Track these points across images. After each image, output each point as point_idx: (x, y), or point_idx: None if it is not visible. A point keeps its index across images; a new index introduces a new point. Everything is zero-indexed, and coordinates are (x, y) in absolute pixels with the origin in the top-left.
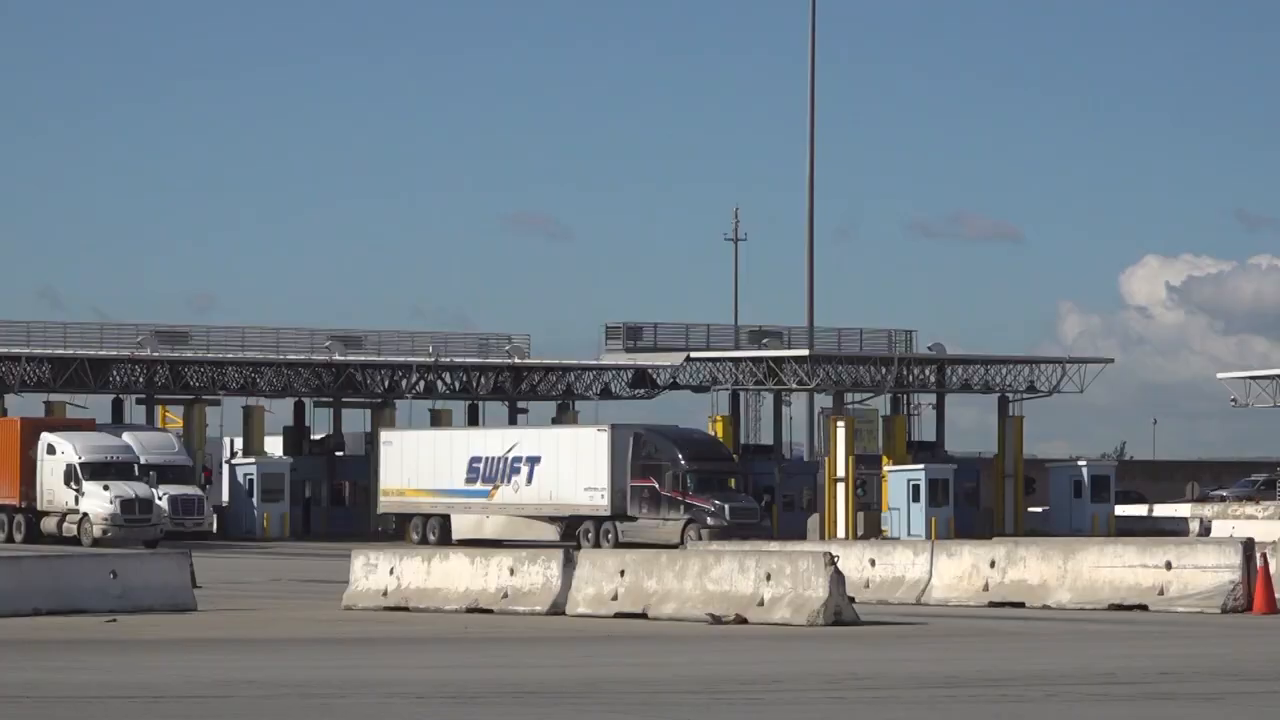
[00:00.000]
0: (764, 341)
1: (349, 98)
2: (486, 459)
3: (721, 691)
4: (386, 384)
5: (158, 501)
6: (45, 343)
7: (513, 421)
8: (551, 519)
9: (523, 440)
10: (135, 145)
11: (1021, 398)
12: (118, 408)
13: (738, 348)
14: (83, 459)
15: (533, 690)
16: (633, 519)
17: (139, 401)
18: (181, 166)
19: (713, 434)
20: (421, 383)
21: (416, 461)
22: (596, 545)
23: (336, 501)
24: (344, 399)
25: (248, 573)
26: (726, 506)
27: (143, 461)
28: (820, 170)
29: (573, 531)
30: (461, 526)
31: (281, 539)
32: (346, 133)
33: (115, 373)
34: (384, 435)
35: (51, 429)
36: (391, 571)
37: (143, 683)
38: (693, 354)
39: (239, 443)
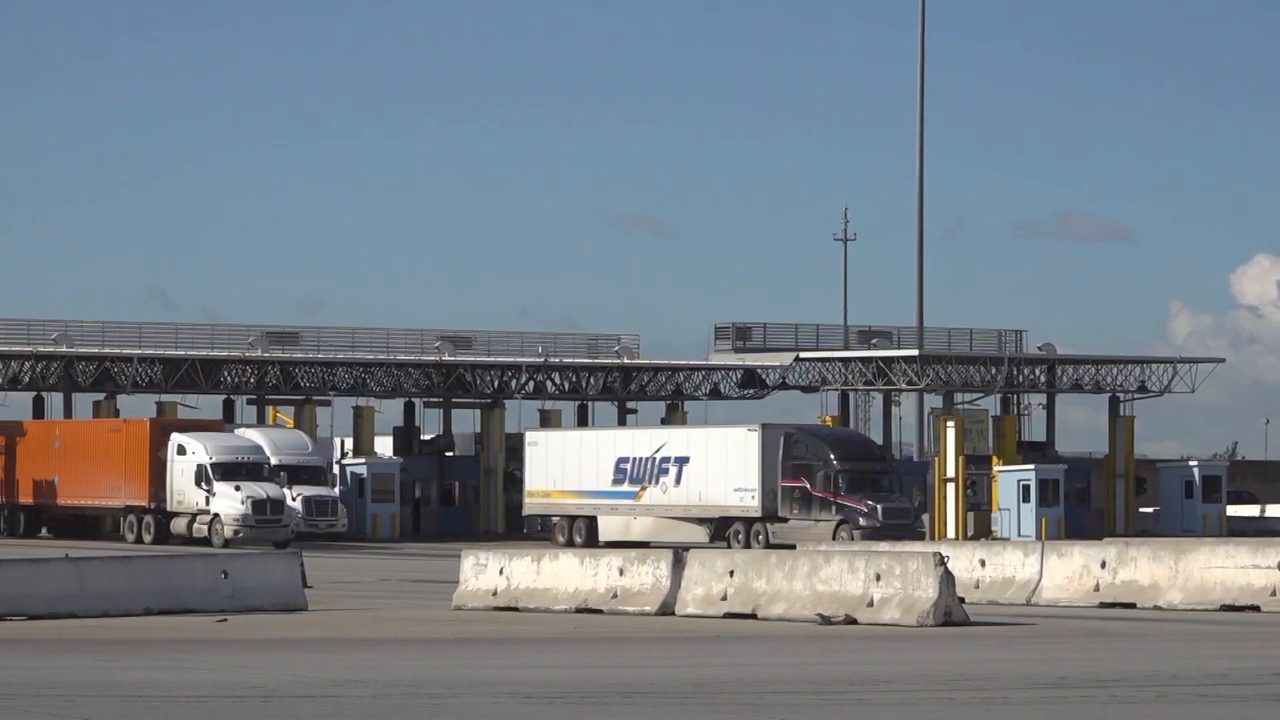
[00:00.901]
0: (873, 341)
1: (458, 100)
2: (634, 459)
3: (830, 692)
4: (496, 384)
5: (289, 502)
6: (157, 343)
7: (621, 422)
8: (700, 520)
9: (671, 440)
10: (246, 147)
11: (1132, 398)
12: (228, 408)
13: (847, 348)
14: (213, 459)
15: (641, 690)
16: (783, 520)
17: (250, 402)
18: (291, 168)
19: (865, 434)
20: (531, 383)
21: (562, 462)
22: (747, 547)
23: (446, 502)
24: (454, 399)
25: (358, 573)
26: (879, 507)
27: (274, 462)
28: (929, 170)
29: (722, 533)
30: (608, 528)
31: (391, 539)
32: (456, 135)
33: (226, 373)
34: (529, 436)
35: (181, 430)
36: (501, 571)
37: (253, 682)
38: (802, 354)
39: (349, 443)
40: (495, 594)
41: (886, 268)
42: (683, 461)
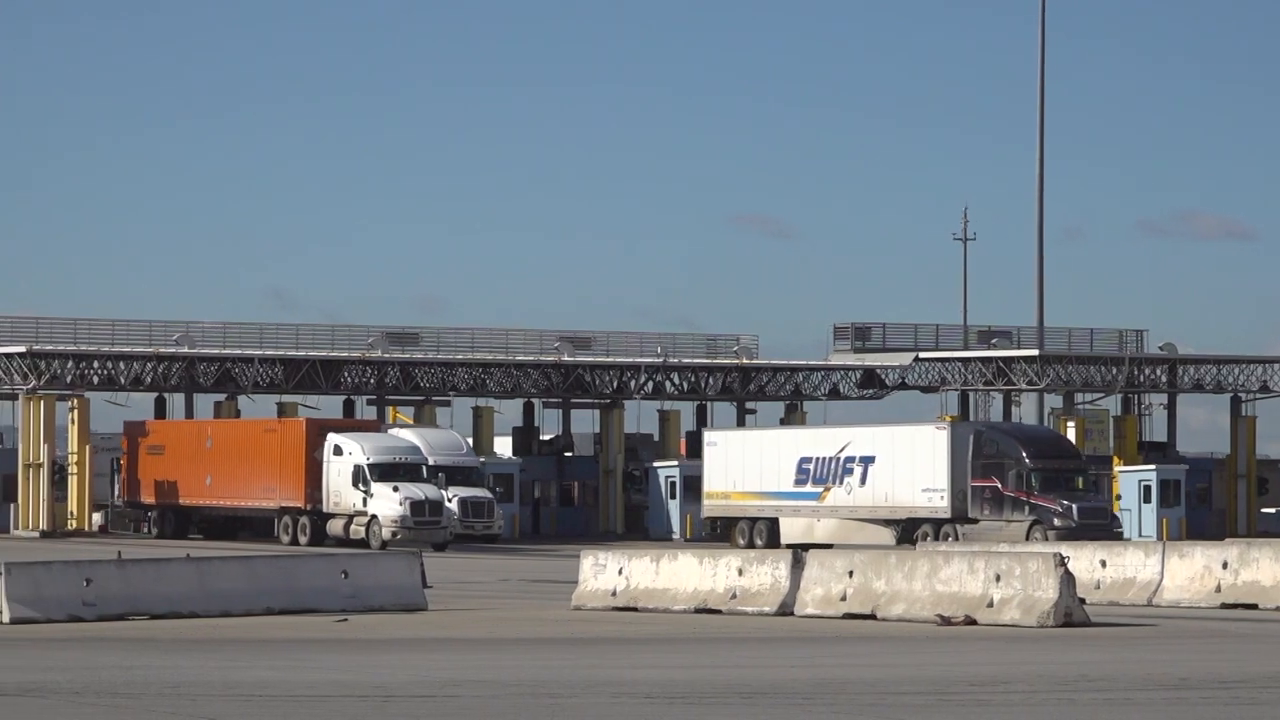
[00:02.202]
0: (993, 341)
1: (576, 100)
2: (817, 459)
3: (950, 693)
4: (615, 385)
5: (447, 504)
6: (277, 344)
7: (740, 423)
8: (887, 522)
9: (855, 439)
10: (365, 147)
11: (1254, 398)
12: (348, 408)
13: (967, 348)
14: (371, 460)
15: (761, 691)
16: (974, 521)
17: (369, 403)
18: (409, 168)
19: (1059, 431)
20: (650, 383)
21: (742, 463)
22: None
23: (565, 502)
24: (573, 399)
25: (477, 573)
26: (1074, 507)
27: (430, 463)
28: (1049, 169)
29: (910, 534)
30: (790, 530)
31: (511, 539)
32: (574, 136)
33: (346, 374)
34: (708, 436)
35: (338, 430)
36: (620, 572)
37: (373, 682)
38: (921, 354)
39: (469, 443)
40: (614, 594)
41: (1006, 267)
42: (868, 461)
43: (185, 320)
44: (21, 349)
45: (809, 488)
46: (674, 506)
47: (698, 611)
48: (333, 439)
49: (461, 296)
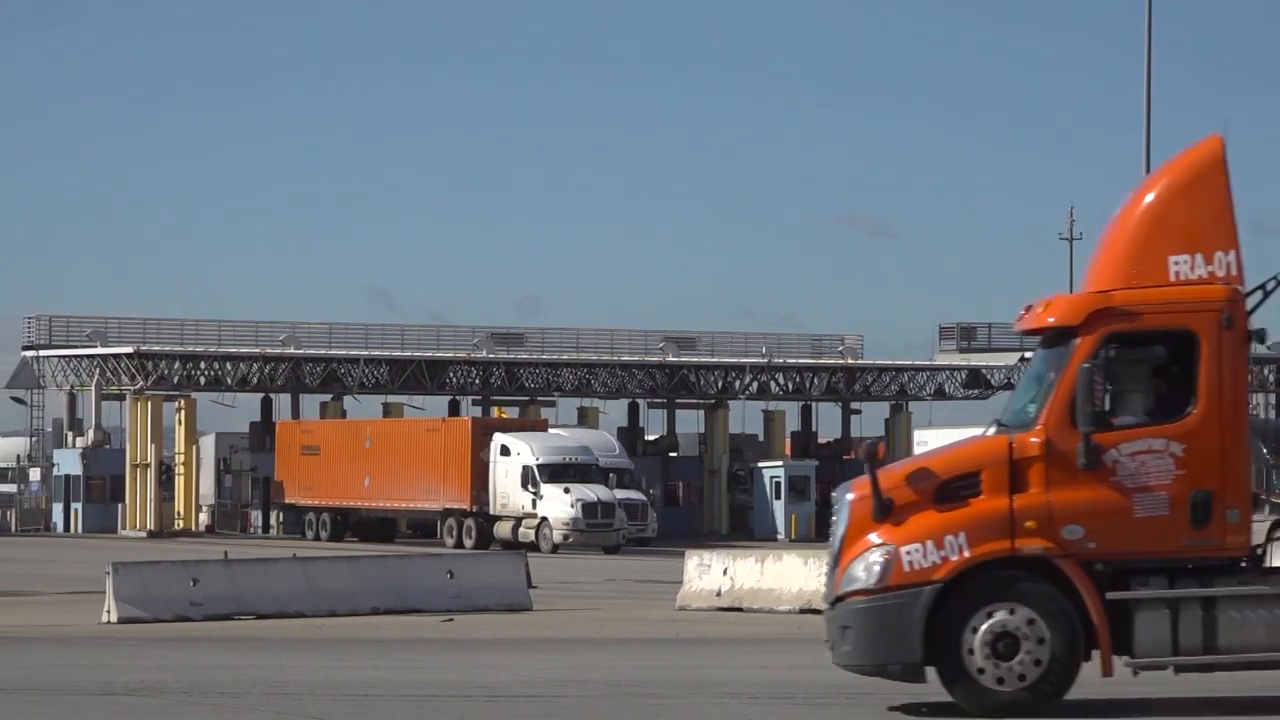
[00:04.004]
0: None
1: (679, 101)
2: None
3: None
4: (720, 385)
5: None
6: (383, 344)
7: (845, 424)
8: None
9: None
10: (466, 148)
11: None
12: (454, 409)
13: None
14: (540, 461)
15: (867, 691)
16: None
17: (475, 403)
18: (510, 169)
19: None
20: (755, 384)
21: None
22: None
23: (670, 502)
24: (677, 400)
25: (582, 573)
26: None
27: (601, 463)
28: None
29: None
30: None
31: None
32: (676, 138)
33: (452, 374)
34: (919, 435)
35: (503, 429)
36: (725, 572)
37: (478, 682)
38: (1026, 354)
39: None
40: (719, 594)
41: None
42: None
43: (291, 321)
44: (129, 350)
45: None
46: (779, 507)
47: (802, 612)
48: (499, 439)
49: (563, 297)
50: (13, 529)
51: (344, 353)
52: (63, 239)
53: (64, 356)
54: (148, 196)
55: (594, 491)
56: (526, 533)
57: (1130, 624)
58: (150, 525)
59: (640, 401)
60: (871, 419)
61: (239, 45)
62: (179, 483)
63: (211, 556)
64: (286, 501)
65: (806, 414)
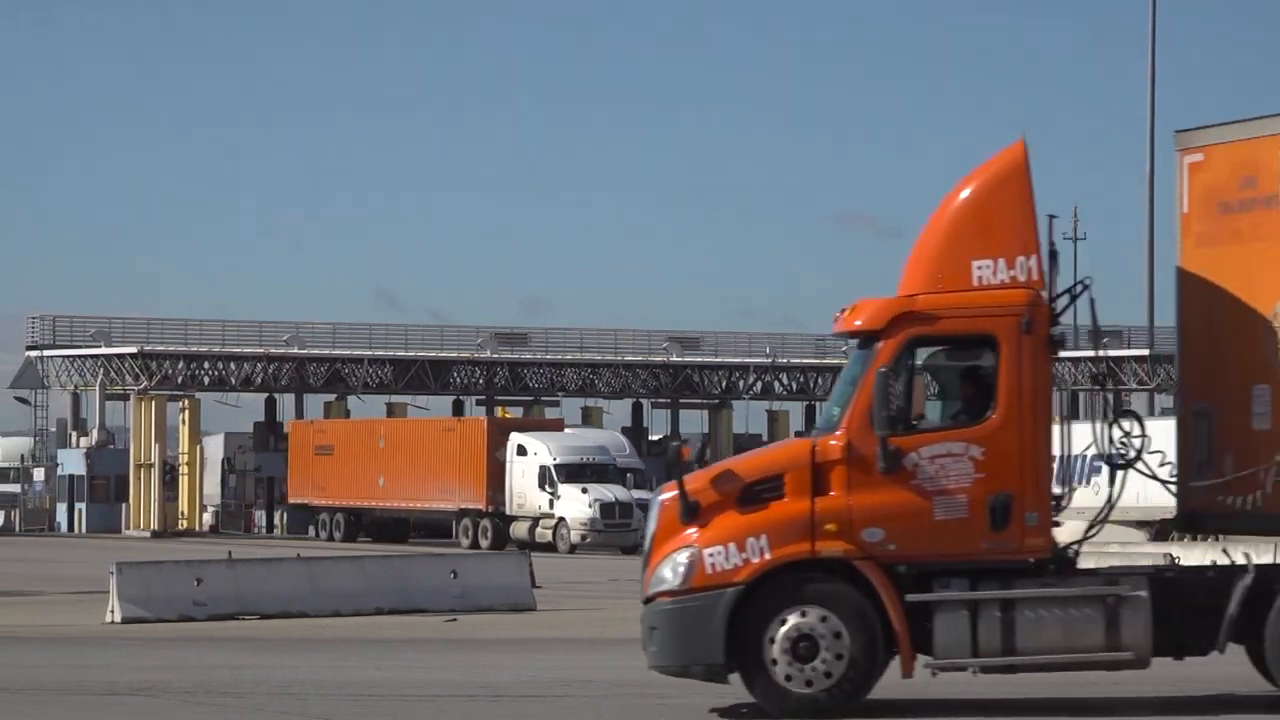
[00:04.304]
0: (1104, 341)
1: (678, 101)
2: (1058, 459)
3: None
4: (724, 385)
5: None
6: (387, 344)
7: None
8: (1139, 523)
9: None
10: (468, 148)
11: None
12: (458, 409)
13: (1076, 347)
14: (558, 460)
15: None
16: None
17: (479, 403)
18: (513, 169)
19: None
20: (759, 384)
21: None
22: None
23: None
24: (681, 400)
25: (586, 573)
26: None
27: (618, 463)
28: (1160, 167)
29: (1165, 536)
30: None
31: None
32: (680, 137)
33: (455, 374)
34: None
35: (520, 429)
36: None
37: (481, 681)
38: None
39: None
40: None
41: (1117, 266)
42: None
43: (295, 321)
44: (133, 350)
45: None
46: None
47: None
48: (516, 439)
49: (567, 297)
50: (17, 529)
51: (348, 353)
52: (66, 239)
53: (68, 356)
54: (151, 197)
55: (611, 491)
56: (544, 533)
57: (930, 626)
58: (154, 525)
59: (644, 402)
60: None
61: (242, 44)
62: (183, 483)
63: (215, 556)
64: (299, 502)
65: (810, 414)
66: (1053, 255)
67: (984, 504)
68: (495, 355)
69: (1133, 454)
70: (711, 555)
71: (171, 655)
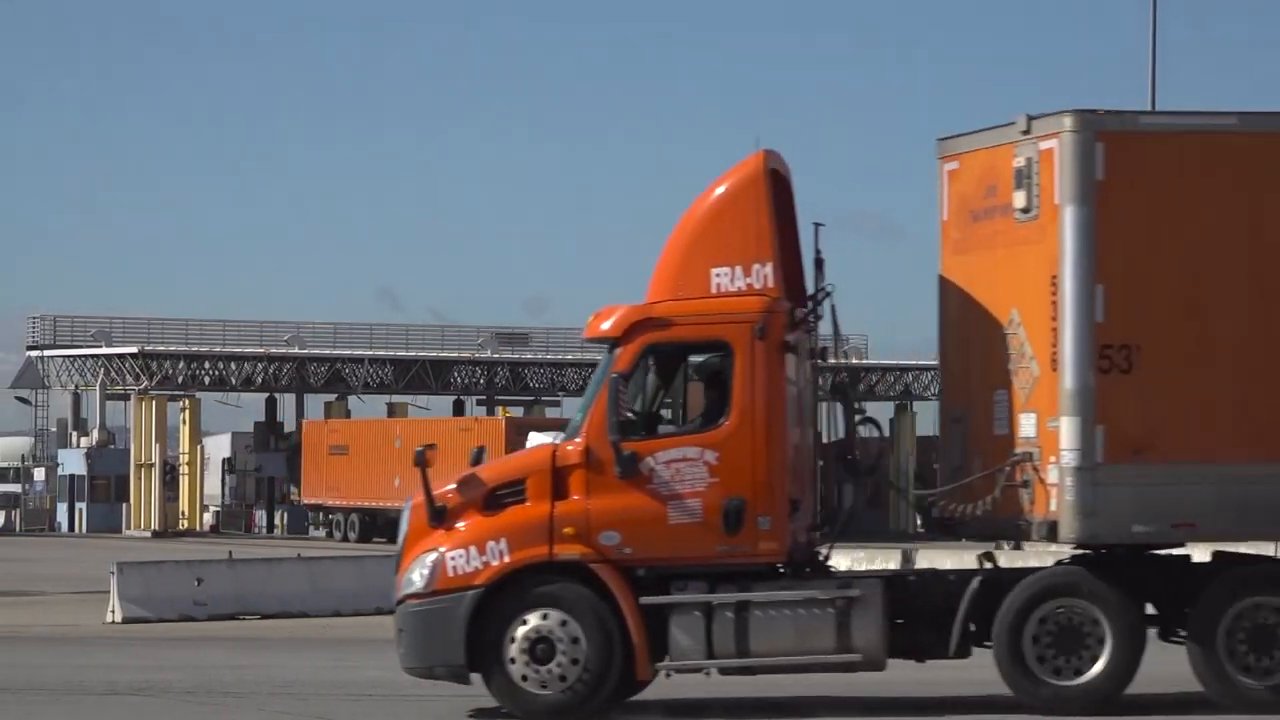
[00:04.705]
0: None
1: (685, 99)
2: None
3: None
4: None
5: None
6: (387, 344)
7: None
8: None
9: None
10: (470, 148)
11: None
12: (459, 409)
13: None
14: None
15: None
16: None
17: (479, 403)
18: (514, 167)
19: None
20: None
21: None
22: None
23: None
24: None
25: None
26: None
27: None
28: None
29: None
30: None
31: None
32: (682, 136)
33: (456, 374)
34: None
35: (539, 428)
36: None
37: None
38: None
39: None
40: None
41: None
42: None
43: (295, 321)
44: (133, 350)
45: None
46: None
47: None
48: (535, 438)
49: (568, 296)
50: (17, 529)
51: (348, 352)
52: (67, 239)
53: (68, 356)
54: (152, 196)
55: None
56: None
57: (666, 628)
58: (154, 525)
59: None
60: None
61: (242, 43)
62: (183, 483)
63: (216, 556)
64: (313, 502)
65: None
66: (818, 263)
67: (718, 508)
68: (496, 355)
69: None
70: (454, 558)
71: (172, 655)
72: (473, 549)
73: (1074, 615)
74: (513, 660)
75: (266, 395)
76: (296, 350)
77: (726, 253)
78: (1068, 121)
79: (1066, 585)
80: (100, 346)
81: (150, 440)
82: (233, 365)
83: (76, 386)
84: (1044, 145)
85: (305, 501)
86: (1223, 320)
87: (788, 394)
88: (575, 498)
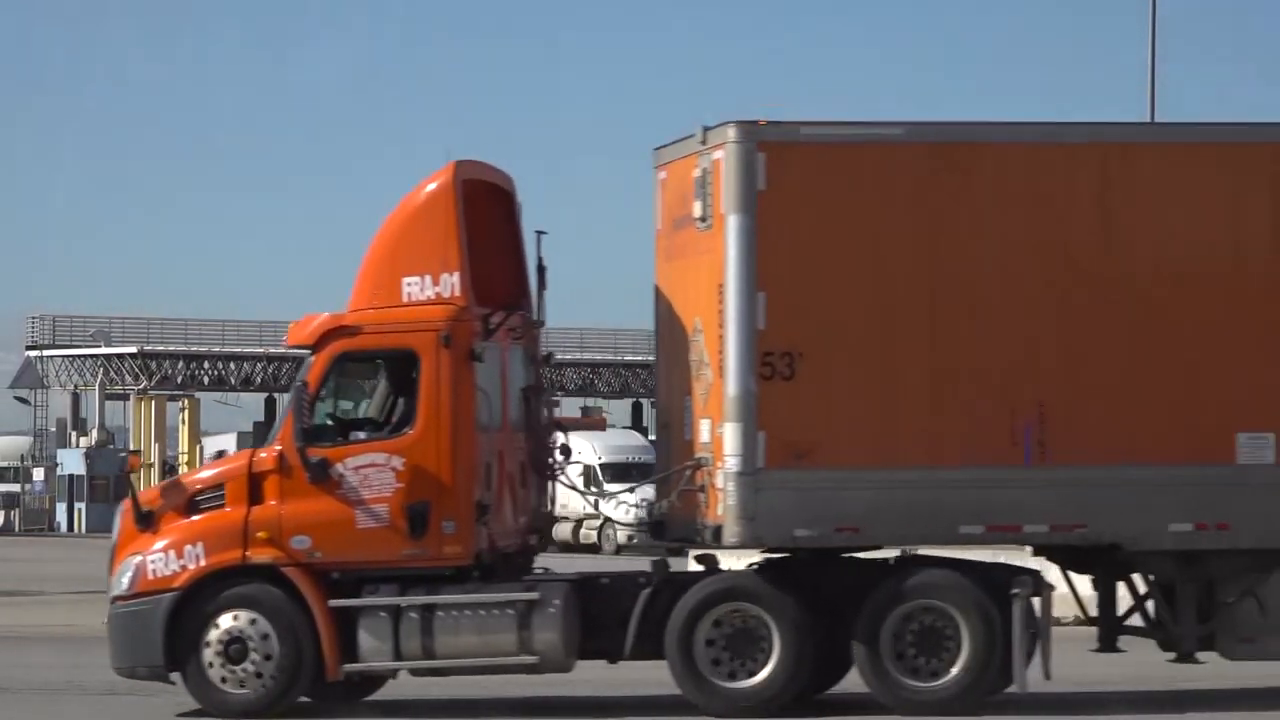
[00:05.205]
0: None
1: (686, 98)
2: None
3: None
4: None
5: None
6: None
7: None
8: None
9: None
10: (471, 145)
11: None
12: None
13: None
14: (603, 460)
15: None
16: None
17: None
18: (512, 165)
19: None
20: None
21: None
22: None
23: None
24: None
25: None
26: None
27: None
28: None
29: None
30: None
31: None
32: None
33: None
34: None
35: (561, 428)
36: None
37: (483, 680)
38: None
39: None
40: None
41: None
42: None
43: (295, 321)
44: (133, 349)
45: None
46: None
47: None
48: (558, 438)
49: (568, 297)
50: (16, 529)
51: None
52: (66, 239)
53: (68, 356)
54: (151, 196)
55: None
56: (588, 534)
57: (355, 630)
58: None
59: (644, 401)
60: None
61: (241, 43)
62: None
63: None
64: None
65: None
66: (540, 271)
67: (403, 513)
68: None
69: (559, 466)
70: (154, 561)
71: None
72: (172, 553)
73: (746, 619)
74: (210, 662)
75: (266, 395)
76: (296, 350)
77: (416, 263)
78: (731, 132)
79: (737, 589)
80: (99, 346)
81: (150, 440)
82: (232, 365)
83: (76, 386)
84: (715, 156)
85: None
86: (886, 328)
87: (479, 400)
88: (270, 503)
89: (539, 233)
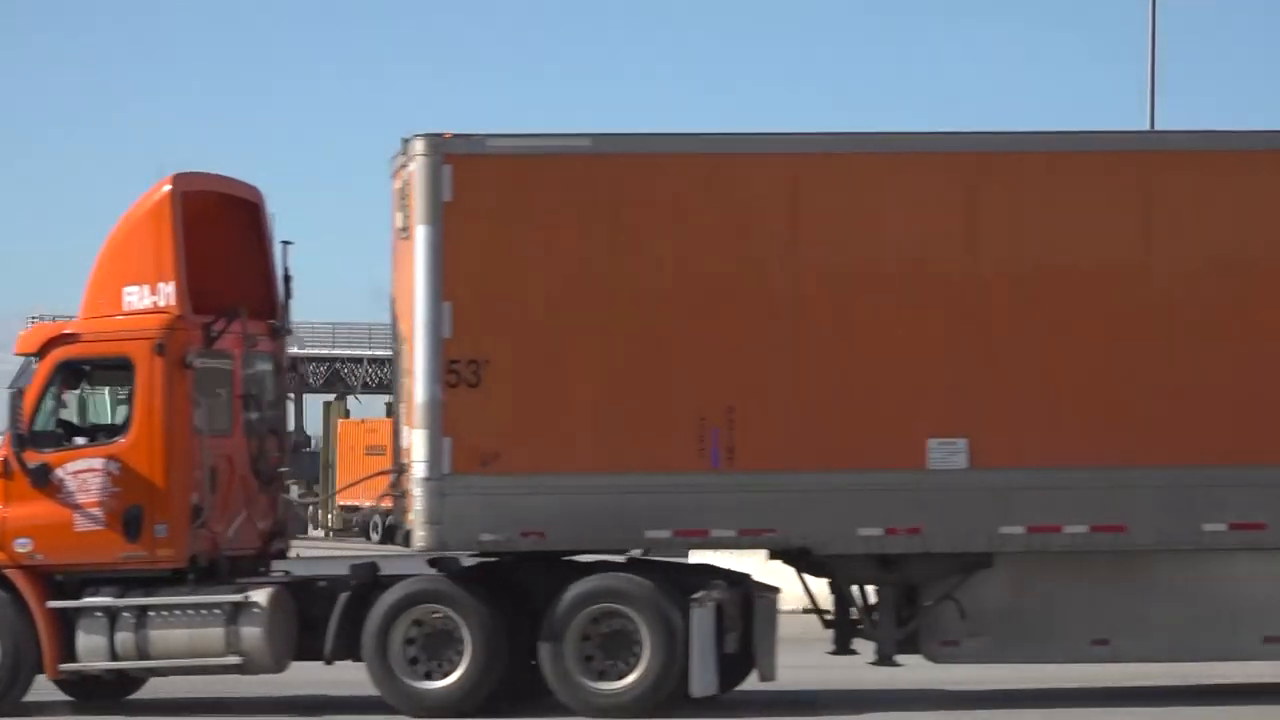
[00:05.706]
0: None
1: (687, 98)
2: None
3: None
4: None
5: None
6: (387, 344)
7: None
8: None
9: None
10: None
11: None
12: None
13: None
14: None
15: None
16: None
17: None
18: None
19: None
20: None
21: None
22: None
23: None
24: None
25: None
26: None
27: None
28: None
29: None
30: None
31: None
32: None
33: None
34: None
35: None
36: None
37: None
38: None
39: None
40: None
41: None
42: None
43: (294, 321)
44: None
45: None
46: None
47: (805, 611)
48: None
49: None
50: None
51: (347, 352)
52: (65, 239)
53: None
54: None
55: None
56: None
57: (73, 631)
58: None
59: None
60: None
61: (241, 42)
62: None
63: None
64: (349, 504)
65: None
66: (286, 280)
67: (119, 516)
68: None
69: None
70: None
71: None
72: None
73: (441, 621)
74: None
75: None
76: (295, 350)
77: (135, 273)
78: (419, 145)
79: (430, 592)
80: None
81: None
82: None
83: None
84: (411, 168)
85: (341, 503)
86: (568, 337)
87: (199, 406)
88: None
89: (285, 243)
